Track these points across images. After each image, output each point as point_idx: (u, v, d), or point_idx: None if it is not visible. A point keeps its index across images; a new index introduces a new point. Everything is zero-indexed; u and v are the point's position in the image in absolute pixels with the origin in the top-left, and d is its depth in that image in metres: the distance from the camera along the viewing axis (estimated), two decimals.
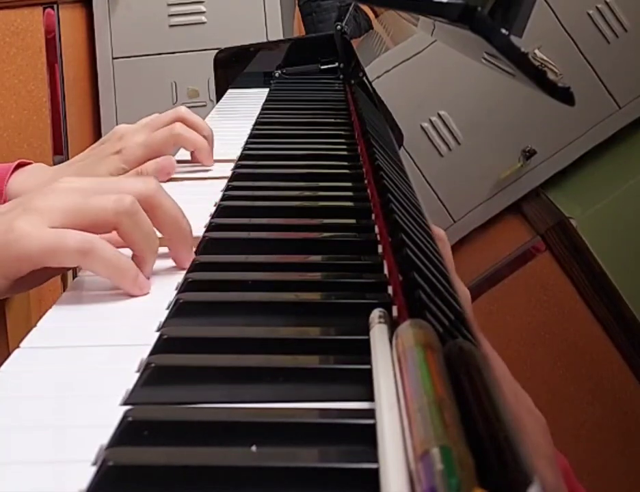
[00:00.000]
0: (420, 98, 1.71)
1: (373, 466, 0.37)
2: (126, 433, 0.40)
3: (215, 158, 0.99)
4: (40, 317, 0.56)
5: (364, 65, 1.39)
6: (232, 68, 1.64)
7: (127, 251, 0.61)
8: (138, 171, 0.90)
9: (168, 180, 0.92)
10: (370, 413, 0.40)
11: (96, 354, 0.50)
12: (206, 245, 0.67)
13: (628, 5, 1.69)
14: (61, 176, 0.89)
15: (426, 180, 1.67)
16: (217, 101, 1.56)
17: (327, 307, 0.56)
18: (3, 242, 0.57)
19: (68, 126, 2.36)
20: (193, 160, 0.99)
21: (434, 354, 0.42)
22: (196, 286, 0.59)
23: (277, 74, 1.61)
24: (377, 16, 2.02)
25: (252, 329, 0.53)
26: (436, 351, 0.42)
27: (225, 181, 0.89)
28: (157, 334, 0.51)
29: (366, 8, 2.03)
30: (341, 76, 1.57)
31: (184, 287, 0.59)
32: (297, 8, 2.79)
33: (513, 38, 0.58)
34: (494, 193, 1.72)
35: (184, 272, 0.62)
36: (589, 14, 1.69)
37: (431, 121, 1.69)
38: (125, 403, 0.44)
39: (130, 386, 0.45)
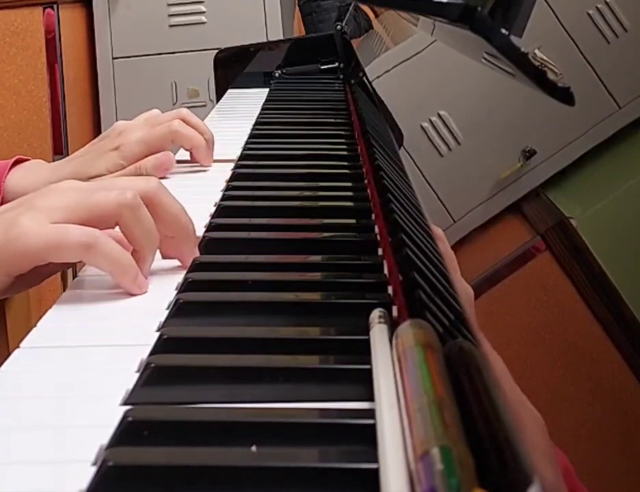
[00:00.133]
0: (420, 98, 1.71)
1: (373, 466, 0.37)
2: (126, 433, 0.40)
3: (215, 158, 0.99)
4: (40, 317, 0.56)
5: (364, 65, 1.39)
6: (232, 68, 1.64)
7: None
8: (137, 166, 0.90)
9: (165, 179, 0.92)
10: (370, 413, 0.40)
11: (96, 354, 0.50)
12: (206, 245, 0.67)
13: (628, 5, 1.69)
14: (60, 172, 0.90)
15: (426, 180, 1.67)
16: (217, 101, 1.56)
17: (327, 307, 0.56)
18: (5, 239, 0.57)
19: (68, 126, 2.36)
20: (192, 160, 0.99)
21: (434, 354, 0.42)
22: (196, 286, 0.59)
23: (277, 74, 1.61)
24: (377, 16, 2.02)
25: (252, 329, 0.53)
26: (436, 351, 0.42)
27: (225, 181, 0.89)
28: (157, 334, 0.51)
29: (366, 8, 2.03)
30: (341, 76, 1.58)
31: (184, 287, 0.59)
32: (297, 8, 2.79)
33: (513, 38, 0.58)
34: (494, 193, 1.72)
35: (184, 272, 0.62)
36: (589, 14, 1.69)
37: (431, 121, 1.69)
38: (125, 403, 0.44)
39: (130, 386, 0.45)
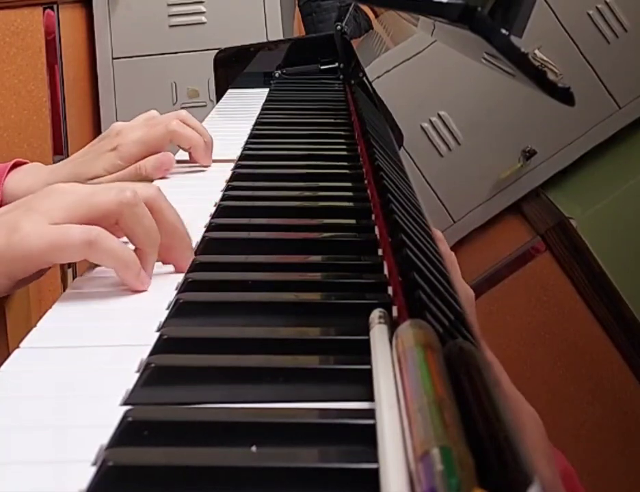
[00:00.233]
0: (420, 98, 1.71)
1: (373, 466, 0.37)
2: (126, 433, 0.40)
3: (214, 158, 0.98)
4: (40, 317, 0.56)
5: (364, 65, 1.39)
6: (232, 68, 1.64)
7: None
8: (137, 166, 0.90)
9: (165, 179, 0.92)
10: (370, 413, 0.40)
11: (96, 354, 0.50)
12: (206, 245, 0.67)
13: (628, 5, 1.69)
14: (58, 174, 0.90)
15: (426, 180, 1.67)
16: (217, 101, 1.56)
17: (327, 307, 0.56)
18: (7, 244, 0.57)
19: (68, 127, 2.36)
20: (191, 160, 0.99)
21: (434, 354, 0.42)
22: (196, 286, 0.59)
23: (277, 74, 1.61)
24: (377, 16, 2.02)
25: (252, 329, 0.53)
26: (436, 351, 0.42)
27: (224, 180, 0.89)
28: (157, 334, 0.51)
29: (366, 8, 2.03)
30: (341, 76, 1.58)
31: (184, 287, 0.59)
32: (297, 8, 2.79)
33: (513, 38, 0.58)
34: (494, 193, 1.72)
35: (184, 272, 0.62)
36: (589, 14, 1.69)
37: (431, 122, 1.69)
38: (125, 403, 0.44)
39: (130, 386, 0.45)
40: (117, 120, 2.50)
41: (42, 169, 0.93)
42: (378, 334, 0.48)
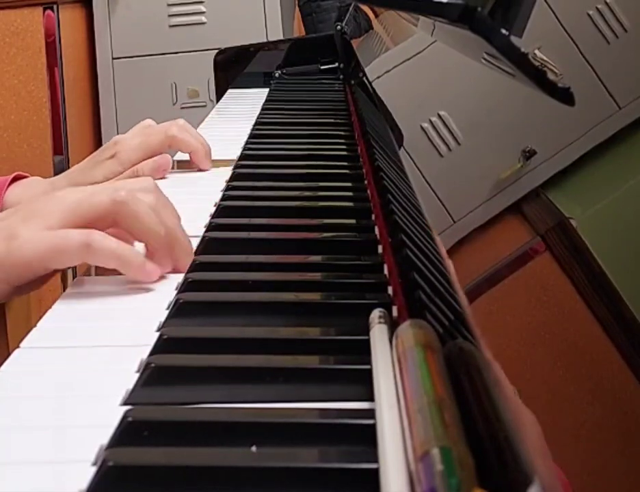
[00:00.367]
0: (420, 98, 1.71)
1: (373, 466, 0.37)
2: (126, 433, 0.40)
3: (214, 158, 0.98)
4: (40, 317, 0.56)
5: (364, 66, 1.39)
6: (232, 68, 1.64)
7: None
8: (134, 170, 0.90)
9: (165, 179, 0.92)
10: (370, 413, 0.40)
11: (96, 354, 0.50)
12: (206, 245, 0.67)
13: (628, 5, 1.69)
14: (58, 186, 0.90)
15: (426, 180, 1.67)
16: (217, 101, 1.56)
17: (327, 307, 0.56)
18: (6, 250, 0.57)
19: (68, 127, 2.36)
20: (192, 164, 0.99)
21: (434, 354, 0.42)
22: (196, 286, 0.59)
23: (277, 74, 1.61)
24: (377, 16, 2.02)
25: (252, 329, 0.53)
26: (436, 351, 0.42)
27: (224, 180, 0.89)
28: (157, 334, 0.51)
29: (366, 8, 2.03)
30: (341, 77, 1.57)
31: (184, 287, 0.59)
32: (297, 8, 2.79)
33: (513, 38, 0.58)
34: (494, 193, 1.72)
35: (185, 272, 0.62)
36: (589, 14, 1.69)
37: (431, 122, 1.69)
38: (125, 403, 0.44)
39: (130, 386, 0.45)
40: (117, 120, 2.48)
41: (42, 182, 0.94)
42: (378, 334, 0.48)
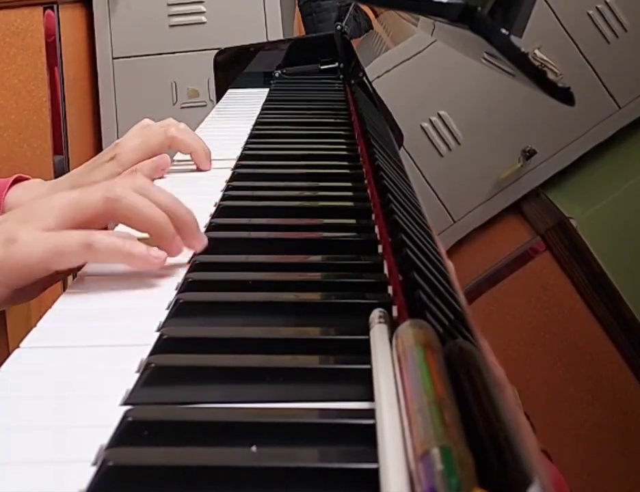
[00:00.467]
0: (420, 98, 1.71)
1: (373, 466, 0.37)
2: (126, 433, 0.40)
3: (214, 158, 0.98)
4: (40, 317, 0.56)
5: (364, 65, 1.39)
6: (232, 68, 1.64)
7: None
8: (132, 170, 0.90)
9: (165, 179, 0.92)
10: (370, 413, 0.40)
11: (96, 354, 0.50)
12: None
13: (628, 5, 1.69)
14: (58, 187, 0.90)
15: (426, 180, 1.67)
16: (217, 101, 1.56)
17: (327, 307, 0.56)
18: (5, 253, 0.58)
19: (68, 126, 2.36)
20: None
21: (434, 354, 0.42)
22: (196, 286, 0.59)
23: (277, 74, 1.61)
24: (377, 16, 2.02)
25: (252, 329, 0.53)
26: (436, 351, 0.42)
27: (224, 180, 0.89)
28: (157, 334, 0.51)
29: (366, 8, 2.03)
30: (341, 76, 1.58)
31: (184, 287, 0.59)
32: (297, 8, 2.79)
33: (513, 38, 0.58)
34: (494, 193, 1.72)
35: (185, 272, 0.62)
36: (589, 14, 1.69)
37: (431, 121, 1.69)
38: (125, 403, 0.44)
39: (130, 386, 0.45)
40: (117, 120, 2.48)
41: (43, 185, 0.94)
42: (378, 334, 0.48)
